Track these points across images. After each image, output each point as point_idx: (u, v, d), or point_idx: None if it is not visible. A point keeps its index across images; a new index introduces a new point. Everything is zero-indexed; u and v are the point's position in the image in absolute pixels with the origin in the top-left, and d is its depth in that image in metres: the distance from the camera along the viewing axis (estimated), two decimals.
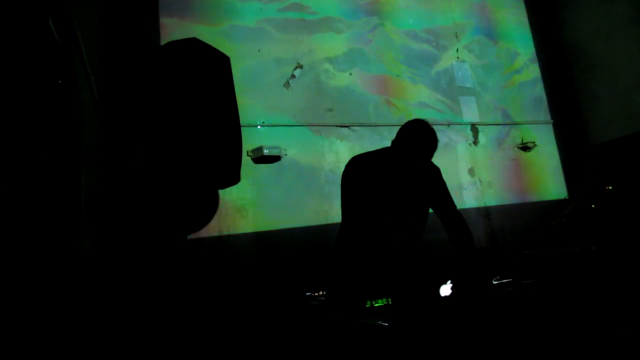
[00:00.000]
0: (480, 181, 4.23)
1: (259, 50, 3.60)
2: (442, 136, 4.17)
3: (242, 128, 2.58)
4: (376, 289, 2.20)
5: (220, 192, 3.21)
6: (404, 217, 2.09)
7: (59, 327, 1.59)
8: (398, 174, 2.08)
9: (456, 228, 2.19)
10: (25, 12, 1.39)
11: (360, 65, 3.93)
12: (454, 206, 2.28)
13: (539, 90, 4.82)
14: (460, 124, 4.28)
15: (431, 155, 2.12)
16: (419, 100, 4.11)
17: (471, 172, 4.21)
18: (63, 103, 1.78)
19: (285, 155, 3.44)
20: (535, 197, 4.43)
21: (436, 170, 2.26)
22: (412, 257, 2.06)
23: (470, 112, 4.38)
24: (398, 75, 4.08)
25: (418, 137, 2.07)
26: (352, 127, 3.76)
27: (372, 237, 2.01)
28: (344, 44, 3.92)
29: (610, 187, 3.87)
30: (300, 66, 3.73)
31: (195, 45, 2.40)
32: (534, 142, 4.46)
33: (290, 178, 3.46)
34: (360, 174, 2.11)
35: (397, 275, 2.02)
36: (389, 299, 2.27)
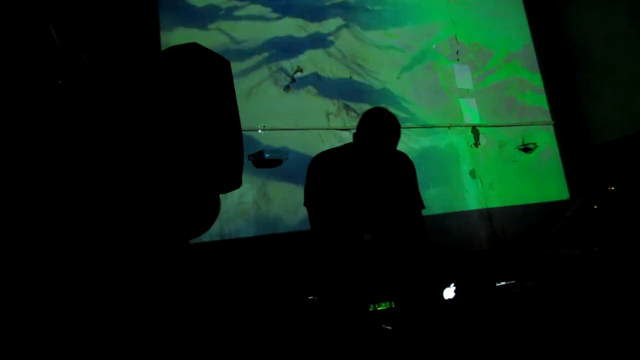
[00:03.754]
0: (481, 183, 4.22)
1: (259, 56, 3.62)
2: (443, 138, 4.18)
3: (242, 132, 2.58)
4: (368, 289, 2.21)
5: (222, 196, 3.21)
6: (376, 210, 2.08)
7: (60, 329, 1.59)
8: (364, 166, 2.06)
9: (414, 233, 2.18)
10: (26, 19, 1.40)
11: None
12: (419, 207, 2.25)
13: (540, 91, 4.82)
14: (460, 126, 4.28)
15: (393, 141, 2.04)
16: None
17: (472, 174, 4.21)
18: (63, 108, 1.79)
19: (286, 159, 3.44)
20: (536, 199, 4.42)
21: (409, 165, 2.23)
22: (401, 253, 2.07)
23: (471, 114, 4.38)
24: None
25: (375, 124, 2.01)
26: (353, 131, 3.76)
27: (343, 235, 2.01)
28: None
29: (613, 188, 3.86)
30: (300, 70, 3.74)
31: (195, 50, 2.41)
32: (535, 144, 4.46)
33: (291, 182, 3.46)
34: (325, 172, 2.10)
35: (399, 277, 2.02)
36: (392, 302, 2.26)
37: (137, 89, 2.70)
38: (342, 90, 3.85)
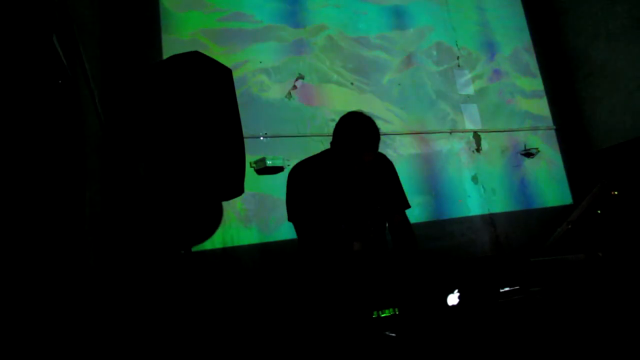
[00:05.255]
0: (484, 188, 4.21)
1: (260, 62, 3.63)
2: (445, 144, 4.18)
3: (244, 139, 2.59)
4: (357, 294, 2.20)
5: (224, 203, 3.21)
6: (362, 217, 2.06)
7: (61, 331, 1.59)
8: (345, 174, 2.02)
9: (401, 235, 2.15)
10: (30, 30, 1.41)
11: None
12: (404, 207, 2.21)
13: (541, 96, 4.82)
14: (462, 132, 4.28)
15: (375, 147, 1.97)
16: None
17: (474, 179, 4.20)
18: (67, 117, 1.80)
19: (288, 165, 3.44)
20: (539, 204, 4.41)
21: (388, 165, 2.19)
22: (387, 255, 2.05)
23: (472, 120, 4.38)
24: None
25: (355, 130, 1.93)
26: None
27: (325, 241, 2.00)
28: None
29: (616, 192, 3.85)
30: (301, 77, 3.74)
31: (197, 58, 2.42)
32: (537, 149, 4.46)
33: None
34: (306, 183, 2.07)
35: (403, 284, 2.01)
36: (396, 309, 2.26)
37: (140, 97, 2.71)
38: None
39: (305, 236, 2.09)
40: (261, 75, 3.61)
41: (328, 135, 3.71)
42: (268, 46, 3.70)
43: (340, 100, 3.84)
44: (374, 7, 4.24)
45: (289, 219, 2.17)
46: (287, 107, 3.66)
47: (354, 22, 4.11)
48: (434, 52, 4.40)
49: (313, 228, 2.06)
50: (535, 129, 4.64)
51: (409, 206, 2.27)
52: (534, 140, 4.55)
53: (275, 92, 3.63)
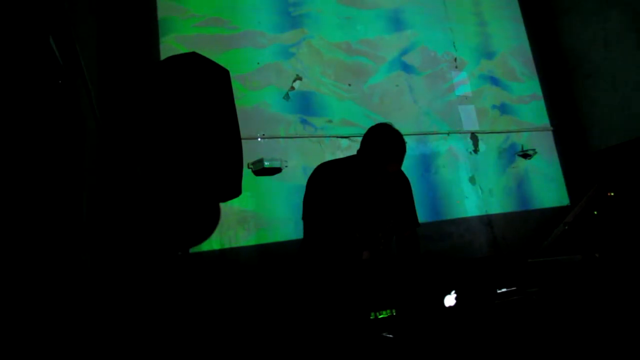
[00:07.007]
0: (481, 189, 4.22)
1: (258, 63, 3.63)
2: (443, 145, 4.18)
3: (242, 140, 2.59)
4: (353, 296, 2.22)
5: (222, 204, 3.21)
6: (372, 228, 2.08)
7: (60, 330, 1.58)
8: (367, 183, 2.04)
9: (407, 249, 2.16)
10: (26, 31, 1.41)
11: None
12: (414, 225, 2.24)
13: (538, 97, 4.83)
14: (460, 132, 4.29)
15: (400, 160, 2.00)
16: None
17: (472, 180, 4.21)
18: (64, 118, 1.80)
19: (286, 167, 3.44)
20: (536, 205, 4.42)
21: (405, 182, 2.22)
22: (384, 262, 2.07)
23: (470, 121, 4.39)
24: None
25: (382, 142, 1.96)
26: (352, 138, 3.77)
27: (337, 246, 2.01)
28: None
29: (612, 194, 3.86)
30: (299, 78, 3.75)
31: (194, 60, 2.42)
32: (534, 150, 4.47)
33: (291, 190, 3.47)
34: (327, 185, 2.08)
35: (400, 285, 2.02)
36: (393, 310, 2.26)
37: (137, 97, 2.71)
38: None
39: (315, 238, 2.09)
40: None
41: (325, 137, 3.76)
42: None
43: (336, 101, 3.84)
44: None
45: (303, 218, 2.17)
46: (282, 108, 3.65)
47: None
48: (432, 54, 4.41)
49: (326, 232, 2.07)
50: (532, 130, 4.65)
51: (418, 225, 2.29)
52: (531, 142, 4.56)
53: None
